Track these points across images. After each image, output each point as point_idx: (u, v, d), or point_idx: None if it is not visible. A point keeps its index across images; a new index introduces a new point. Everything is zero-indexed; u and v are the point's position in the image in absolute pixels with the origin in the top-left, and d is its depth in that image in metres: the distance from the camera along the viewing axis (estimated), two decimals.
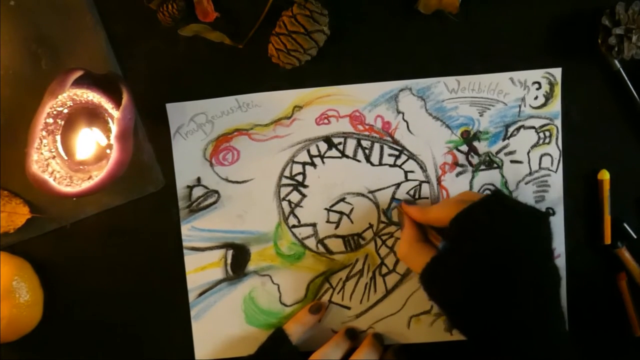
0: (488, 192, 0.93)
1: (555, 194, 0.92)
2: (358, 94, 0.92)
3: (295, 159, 0.93)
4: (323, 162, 0.93)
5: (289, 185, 0.94)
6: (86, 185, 0.82)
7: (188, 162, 0.93)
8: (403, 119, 0.92)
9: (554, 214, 0.93)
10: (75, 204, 0.92)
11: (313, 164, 0.93)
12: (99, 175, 0.81)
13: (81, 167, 0.87)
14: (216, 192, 0.94)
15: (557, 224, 0.93)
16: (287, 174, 0.93)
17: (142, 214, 0.93)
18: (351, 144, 0.93)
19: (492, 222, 0.79)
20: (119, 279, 0.95)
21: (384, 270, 0.94)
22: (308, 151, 0.93)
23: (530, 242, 0.79)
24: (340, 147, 0.93)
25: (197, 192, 0.94)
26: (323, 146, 0.93)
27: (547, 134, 0.92)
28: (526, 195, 0.93)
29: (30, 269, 0.93)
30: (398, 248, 0.89)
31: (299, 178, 0.93)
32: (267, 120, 0.93)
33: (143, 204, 0.93)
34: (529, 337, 0.75)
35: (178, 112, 0.92)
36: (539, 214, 0.84)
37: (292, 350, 0.91)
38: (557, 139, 0.92)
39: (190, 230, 0.94)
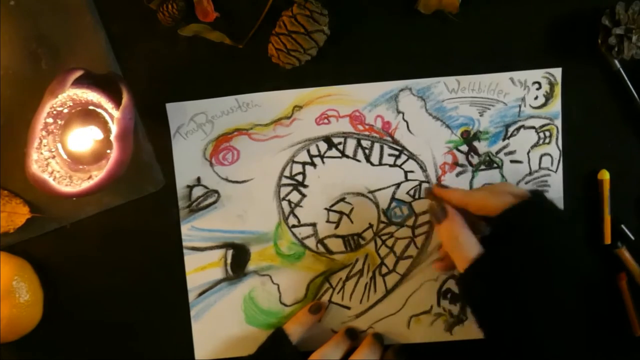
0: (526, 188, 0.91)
1: (555, 194, 0.92)
2: (358, 94, 0.92)
3: (295, 159, 0.93)
4: (323, 162, 0.93)
5: (289, 185, 0.94)
6: (86, 185, 0.82)
7: (188, 162, 0.93)
8: (403, 118, 0.92)
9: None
10: (75, 204, 0.92)
11: (313, 164, 0.93)
12: (99, 175, 0.81)
13: (81, 167, 0.87)
14: (216, 191, 0.94)
15: None
16: (287, 174, 0.93)
17: (142, 214, 0.93)
18: (351, 143, 0.93)
19: (539, 225, 0.78)
20: (119, 279, 0.95)
21: (384, 270, 0.95)
22: (308, 151, 0.93)
23: (568, 250, 0.78)
24: (340, 147, 0.93)
25: (197, 191, 0.94)
26: (323, 146, 0.93)
27: (547, 134, 0.92)
28: None
29: (30, 269, 0.92)
30: (444, 235, 0.83)
31: (299, 178, 0.93)
32: (267, 120, 0.93)
33: (143, 204, 0.93)
34: (556, 345, 0.75)
35: (178, 112, 0.92)
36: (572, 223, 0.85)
37: (292, 350, 0.91)
38: (557, 139, 0.92)
39: (190, 230, 0.94)
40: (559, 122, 0.91)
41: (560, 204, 0.92)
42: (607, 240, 0.92)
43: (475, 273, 0.78)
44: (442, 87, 0.91)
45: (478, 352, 0.95)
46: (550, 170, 0.92)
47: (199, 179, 0.94)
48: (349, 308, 0.95)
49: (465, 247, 0.79)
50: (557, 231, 0.78)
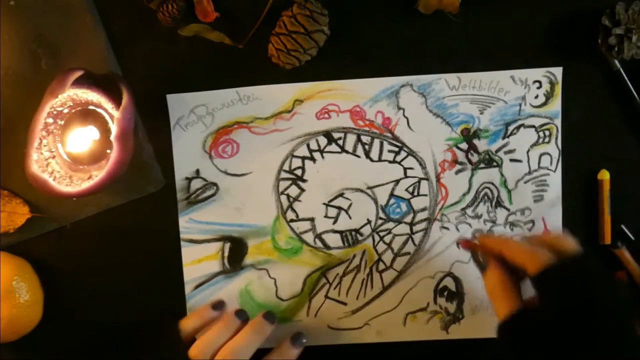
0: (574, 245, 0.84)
1: (554, 193, 0.93)
2: (359, 89, 0.92)
3: (295, 153, 0.93)
4: (322, 157, 0.93)
5: (287, 179, 0.94)
6: (86, 185, 0.82)
7: (187, 154, 0.93)
8: (403, 115, 0.92)
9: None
10: (75, 204, 0.92)
11: (312, 159, 0.93)
12: (99, 175, 0.81)
13: (81, 167, 0.87)
14: (215, 184, 0.94)
15: (557, 223, 0.93)
16: (287, 168, 0.94)
17: (142, 214, 0.93)
18: (351, 139, 0.93)
19: (582, 286, 0.75)
20: (119, 279, 0.95)
21: (381, 266, 0.95)
22: (308, 145, 0.93)
23: (612, 311, 0.75)
24: (340, 142, 0.93)
25: (196, 184, 0.94)
26: (323, 141, 0.93)
27: (547, 133, 0.92)
28: (525, 194, 0.93)
29: (30, 269, 0.92)
30: (487, 286, 0.84)
31: (298, 172, 0.94)
32: (267, 114, 0.93)
33: (143, 204, 0.93)
34: None
35: (178, 104, 0.92)
36: (619, 285, 0.84)
37: (179, 345, 0.90)
38: (556, 138, 0.92)
39: (188, 222, 0.94)
40: (558, 122, 0.91)
41: (559, 203, 0.92)
42: (607, 240, 0.92)
43: (512, 327, 0.78)
44: (443, 84, 0.91)
45: (474, 351, 0.95)
46: (550, 169, 0.92)
47: (197, 172, 0.94)
48: (345, 304, 0.95)
49: (505, 299, 0.80)
50: (602, 292, 0.75)
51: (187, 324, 0.91)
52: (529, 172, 0.93)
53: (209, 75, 0.91)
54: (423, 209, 0.94)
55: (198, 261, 0.95)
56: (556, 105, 0.91)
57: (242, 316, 0.91)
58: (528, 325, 0.76)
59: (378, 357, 0.96)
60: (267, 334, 0.91)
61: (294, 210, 0.94)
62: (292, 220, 0.94)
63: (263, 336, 0.90)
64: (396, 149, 0.93)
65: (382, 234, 0.94)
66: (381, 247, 0.95)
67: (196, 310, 0.94)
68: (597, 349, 0.72)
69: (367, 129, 0.93)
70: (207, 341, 0.88)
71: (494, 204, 0.93)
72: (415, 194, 0.94)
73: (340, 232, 0.95)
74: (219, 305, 0.93)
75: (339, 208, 0.94)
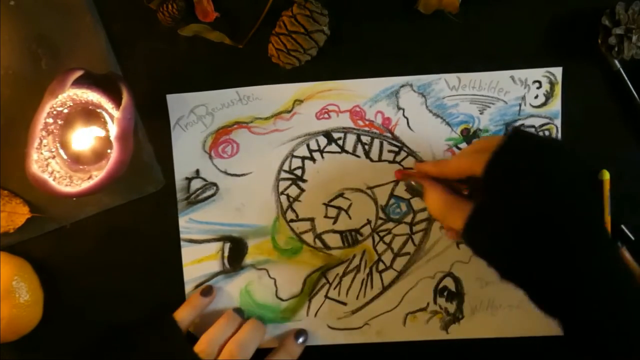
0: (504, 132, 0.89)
1: None
2: (359, 89, 0.92)
3: (295, 153, 0.93)
4: (322, 157, 0.93)
5: (287, 179, 0.94)
6: (86, 185, 0.82)
7: (187, 154, 0.93)
8: (403, 115, 0.92)
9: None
10: (75, 204, 0.92)
11: (312, 159, 0.93)
12: (99, 175, 0.81)
13: (81, 167, 0.87)
14: (215, 184, 0.94)
15: None
16: (286, 168, 0.93)
17: (142, 214, 0.93)
18: (351, 139, 0.93)
19: (526, 163, 0.74)
20: (119, 279, 0.95)
21: (381, 266, 0.95)
22: (307, 145, 0.93)
23: (564, 174, 0.74)
24: (340, 142, 0.93)
25: (196, 184, 0.94)
26: (323, 141, 0.93)
27: (547, 133, 0.92)
28: None
29: (30, 269, 0.93)
30: (432, 209, 0.83)
31: (298, 172, 0.94)
32: (267, 114, 0.93)
33: (143, 204, 0.93)
34: (583, 271, 0.71)
35: (178, 104, 0.92)
36: (561, 144, 0.83)
37: (181, 338, 0.91)
38: (556, 138, 0.92)
39: (188, 222, 0.94)
40: (558, 122, 0.91)
41: None
42: None
43: (474, 227, 0.76)
44: (443, 84, 0.91)
45: (474, 351, 0.95)
46: None
47: (197, 172, 0.94)
48: (345, 304, 0.95)
49: (456, 209, 0.78)
50: (547, 161, 0.74)
51: (181, 315, 0.92)
52: None
53: (209, 75, 0.91)
54: (423, 209, 0.94)
55: (198, 261, 0.95)
56: (556, 105, 0.91)
57: (241, 314, 0.94)
58: (488, 219, 0.75)
59: (378, 357, 0.96)
60: (266, 332, 0.94)
61: (294, 211, 0.94)
62: (292, 220, 0.94)
63: (263, 333, 0.93)
64: (396, 149, 0.93)
65: (382, 234, 0.94)
66: (381, 247, 0.94)
67: (188, 300, 0.94)
68: (562, 221, 0.71)
69: (367, 129, 0.93)
70: (212, 337, 0.90)
71: None
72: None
73: (340, 232, 0.94)
74: (208, 292, 0.94)
75: (339, 208, 0.94)
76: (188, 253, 0.95)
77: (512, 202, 0.73)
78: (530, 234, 0.72)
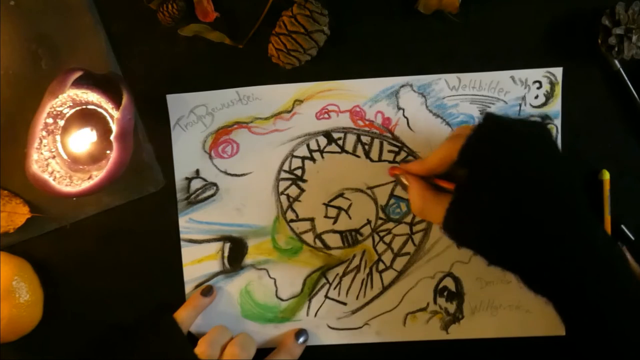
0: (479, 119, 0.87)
1: None
2: (359, 89, 0.92)
3: (295, 153, 0.93)
4: (322, 157, 0.93)
5: (287, 179, 0.94)
6: (86, 185, 0.82)
7: (187, 154, 0.93)
8: (403, 115, 0.92)
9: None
10: (75, 204, 0.92)
11: (312, 159, 0.93)
12: (99, 175, 0.82)
13: (81, 167, 0.87)
14: (215, 184, 0.94)
15: None
16: (286, 168, 0.93)
17: (142, 214, 0.93)
18: (351, 139, 0.93)
19: (498, 147, 0.75)
20: (119, 279, 0.95)
21: (381, 266, 0.95)
22: (307, 145, 0.93)
23: (539, 154, 0.75)
24: (340, 142, 0.93)
25: (196, 184, 0.94)
26: (323, 141, 0.93)
27: None
28: None
29: (30, 269, 0.93)
30: (412, 205, 0.84)
31: (298, 172, 0.94)
32: (267, 114, 0.93)
33: (143, 204, 0.93)
34: (570, 249, 0.71)
35: (178, 104, 0.92)
36: (537, 125, 0.83)
37: (182, 339, 0.91)
38: (556, 138, 0.91)
39: (188, 222, 0.94)
40: (558, 122, 0.91)
41: None
42: None
43: (452, 218, 0.77)
44: (443, 84, 0.91)
45: (474, 351, 0.95)
46: None
47: (197, 172, 0.94)
48: (345, 304, 0.95)
49: (434, 203, 0.80)
50: (521, 143, 0.75)
51: (182, 316, 0.92)
52: None
53: (209, 75, 0.91)
54: None
55: (198, 261, 0.95)
56: (556, 105, 0.91)
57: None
58: (464, 208, 0.76)
59: (378, 357, 0.96)
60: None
61: (293, 211, 0.94)
62: (292, 221, 0.94)
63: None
64: (396, 149, 0.93)
65: (382, 234, 0.94)
66: (381, 247, 0.94)
67: (188, 300, 0.94)
68: (541, 201, 0.72)
69: (367, 129, 0.93)
70: (213, 338, 0.90)
71: None
72: None
73: (340, 232, 0.94)
74: (208, 292, 0.94)
75: (339, 208, 0.94)
76: (188, 253, 0.95)
77: (485, 187, 0.74)
78: (504, 217, 0.73)
